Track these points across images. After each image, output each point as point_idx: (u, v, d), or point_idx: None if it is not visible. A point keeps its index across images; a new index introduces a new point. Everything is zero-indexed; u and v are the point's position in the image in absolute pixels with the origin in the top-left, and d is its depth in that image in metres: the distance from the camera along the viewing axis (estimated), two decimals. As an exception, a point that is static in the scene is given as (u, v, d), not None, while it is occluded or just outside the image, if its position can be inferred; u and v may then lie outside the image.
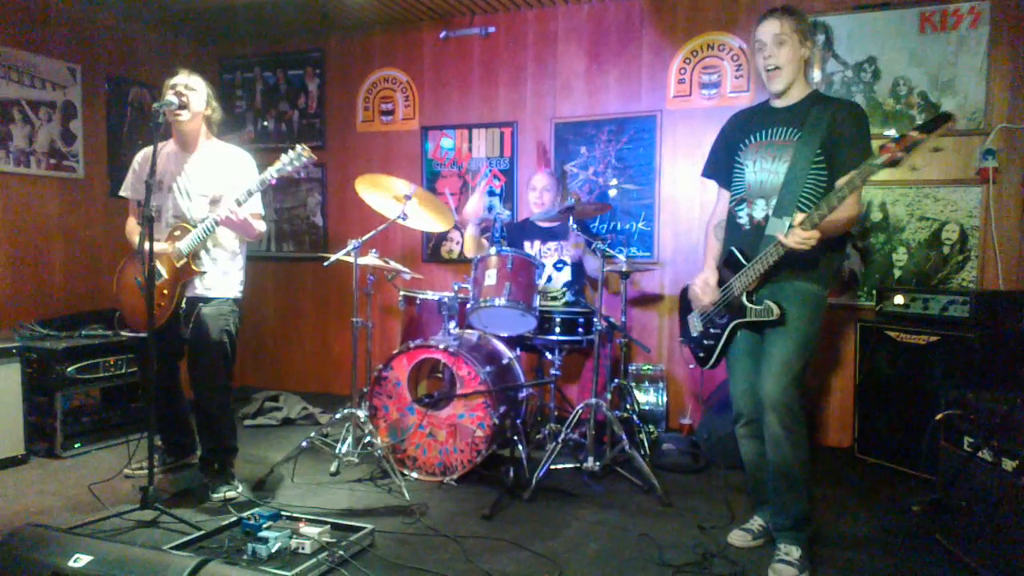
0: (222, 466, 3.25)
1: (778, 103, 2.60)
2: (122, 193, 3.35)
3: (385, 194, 3.68)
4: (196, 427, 3.34)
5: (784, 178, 2.51)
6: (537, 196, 4.11)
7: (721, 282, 2.66)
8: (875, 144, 2.29)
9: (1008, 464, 2.31)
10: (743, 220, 2.64)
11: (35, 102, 4.39)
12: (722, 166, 2.78)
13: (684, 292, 2.90)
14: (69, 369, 3.78)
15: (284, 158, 2.99)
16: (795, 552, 2.49)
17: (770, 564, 2.49)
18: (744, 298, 2.54)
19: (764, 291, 2.54)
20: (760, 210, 2.58)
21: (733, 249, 2.61)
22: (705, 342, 2.76)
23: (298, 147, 2.99)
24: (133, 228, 3.30)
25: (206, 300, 3.13)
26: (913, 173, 3.91)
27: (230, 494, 3.16)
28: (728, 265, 2.64)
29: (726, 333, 2.64)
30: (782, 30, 2.49)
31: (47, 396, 3.74)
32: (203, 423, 3.26)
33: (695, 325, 2.81)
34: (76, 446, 3.83)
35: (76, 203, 4.62)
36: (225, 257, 3.19)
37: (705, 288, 2.70)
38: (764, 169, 2.58)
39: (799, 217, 2.34)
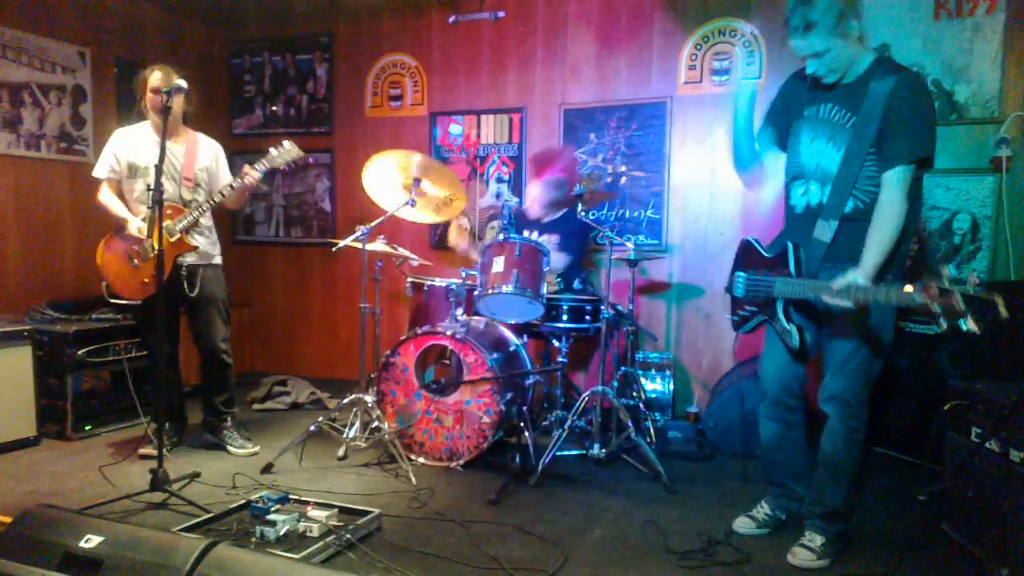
0: (234, 419, 3.67)
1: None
2: (100, 175, 3.47)
3: (393, 181, 3.68)
4: (206, 384, 3.63)
5: (838, 169, 2.33)
6: (528, 203, 4.19)
7: (767, 267, 2.49)
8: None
9: (1016, 455, 2.30)
10: (797, 202, 2.48)
11: (45, 86, 4.40)
12: (776, 124, 2.57)
13: (741, 245, 2.68)
14: (80, 352, 3.81)
15: (272, 152, 3.32)
16: (818, 539, 2.49)
17: (791, 547, 2.50)
18: (779, 307, 2.43)
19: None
20: (816, 196, 2.41)
21: (789, 247, 2.43)
22: (740, 311, 2.66)
23: (285, 143, 3.32)
24: (113, 204, 3.45)
25: (206, 266, 3.52)
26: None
27: (253, 449, 3.57)
28: (778, 260, 2.47)
29: (755, 321, 2.59)
30: (812, 51, 2.25)
31: (58, 379, 3.78)
32: (216, 375, 3.61)
33: (737, 286, 2.63)
34: (86, 428, 3.87)
35: (86, 187, 4.59)
36: (211, 229, 3.59)
37: None
38: (819, 151, 2.39)
39: (847, 278, 2.16)
